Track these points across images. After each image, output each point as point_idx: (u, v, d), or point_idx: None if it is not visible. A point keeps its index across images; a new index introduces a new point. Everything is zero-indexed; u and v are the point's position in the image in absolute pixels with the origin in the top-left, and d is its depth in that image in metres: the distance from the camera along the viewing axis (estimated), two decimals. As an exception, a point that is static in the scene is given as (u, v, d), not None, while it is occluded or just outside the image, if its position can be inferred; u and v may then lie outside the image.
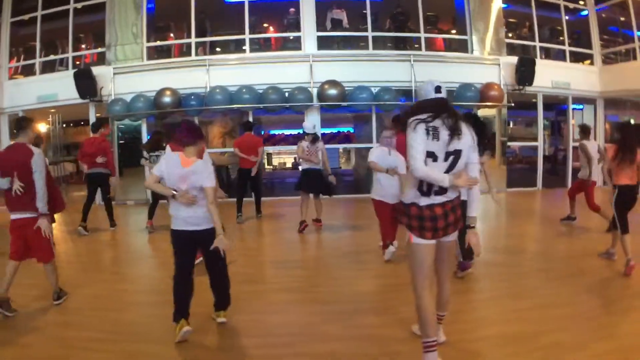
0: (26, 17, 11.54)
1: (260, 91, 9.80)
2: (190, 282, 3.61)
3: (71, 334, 3.77)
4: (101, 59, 11.07)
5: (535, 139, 11.87)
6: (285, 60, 10.37)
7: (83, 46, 11.87)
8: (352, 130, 12.97)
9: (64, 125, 12.73)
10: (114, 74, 10.38)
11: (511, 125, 12.94)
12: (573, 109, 12.51)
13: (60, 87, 10.73)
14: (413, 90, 10.32)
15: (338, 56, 10.50)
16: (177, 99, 9.83)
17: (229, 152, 9.78)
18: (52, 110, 11.49)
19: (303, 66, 10.17)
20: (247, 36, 10.43)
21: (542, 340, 3.37)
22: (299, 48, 10.70)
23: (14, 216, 4.09)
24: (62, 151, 12.32)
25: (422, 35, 11.00)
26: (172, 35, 11.50)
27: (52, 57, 11.52)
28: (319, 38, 10.58)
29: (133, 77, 10.39)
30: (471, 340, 3.44)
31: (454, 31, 12.06)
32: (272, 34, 11.18)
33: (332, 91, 9.78)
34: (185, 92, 9.95)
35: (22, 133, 4.14)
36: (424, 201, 2.84)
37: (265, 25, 11.38)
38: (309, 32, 10.40)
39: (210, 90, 9.83)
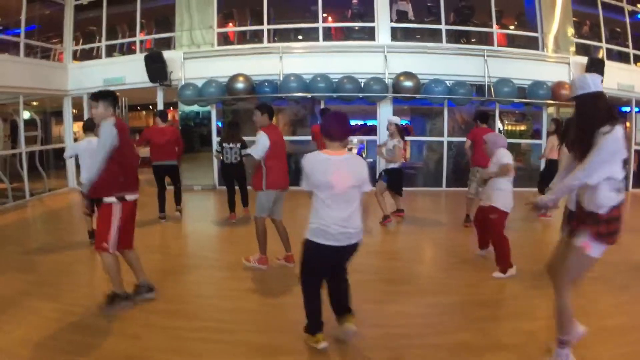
0: (83, 1, 11.52)
1: (335, 80, 9.72)
2: (320, 294, 3.24)
3: (179, 323, 3.65)
4: (161, 44, 11.12)
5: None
6: (359, 50, 10.29)
7: (143, 32, 11.83)
8: (409, 123, 12.76)
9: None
10: (184, 58, 10.33)
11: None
12: (628, 112, 12.41)
13: (127, 70, 10.73)
14: (486, 86, 10.23)
15: (412, 48, 10.39)
16: (250, 85, 9.79)
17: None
18: (117, 94, 11.45)
19: (377, 57, 10.09)
20: (320, 24, 10.36)
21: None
22: (364, 38, 10.64)
23: None
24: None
25: (495, 30, 10.89)
26: (230, 23, 11.44)
27: (119, 40, 11.49)
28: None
29: (204, 62, 10.35)
30: None
31: (511, 27, 11.94)
32: (344, 23, 11.02)
33: (408, 83, 9.70)
34: (258, 79, 9.89)
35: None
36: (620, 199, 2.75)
37: (324, 15, 11.22)
38: (383, 23, 10.31)
39: (284, 78, 9.76)
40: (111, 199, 3.72)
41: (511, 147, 11.00)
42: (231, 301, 4.13)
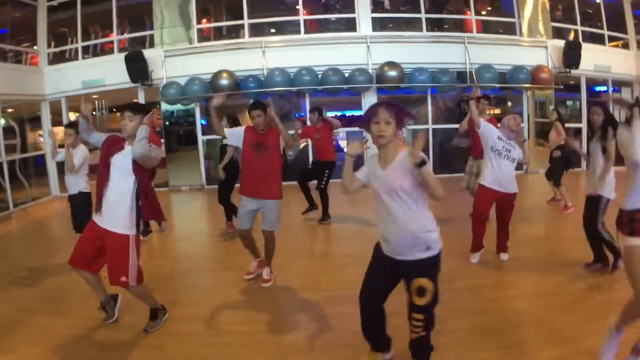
0: (55, 2, 11.18)
1: (320, 73, 9.72)
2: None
3: (199, 329, 3.61)
4: (136, 43, 10.93)
5: (580, 121, 12.01)
6: (341, 42, 10.28)
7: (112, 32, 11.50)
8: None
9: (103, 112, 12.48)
10: (165, 57, 10.17)
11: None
12: (604, 91, 12.73)
13: (106, 71, 10.51)
14: (467, 72, 10.35)
15: (394, 38, 10.44)
16: (234, 82, 9.72)
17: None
18: (95, 96, 11.24)
19: (359, 48, 10.12)
20: (301, 17, 10.34)
21: None
22: (341, 30, 10.65)
23: None
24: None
25: (473, 17, 11.02)
26: (205, 19, 11.29)
27: (96, 41, 11.24)
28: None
29: (185, 59, 10.21)
30: None
31: (483, 12, 12.09)
32: (326, 15, 11.00)
33: (392, 73, 9.77)
34: (241, 75, 9.81)
35: None
36: None
37: (297, 7, 11.15)
38: (363, 13, 10.33)
39: (269, 72, 9.71)
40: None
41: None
42: (247, 302, 4.10)
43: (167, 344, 3.36)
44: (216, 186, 6.77)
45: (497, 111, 12.22)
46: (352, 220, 6.89)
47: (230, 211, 6.44)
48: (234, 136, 4.48)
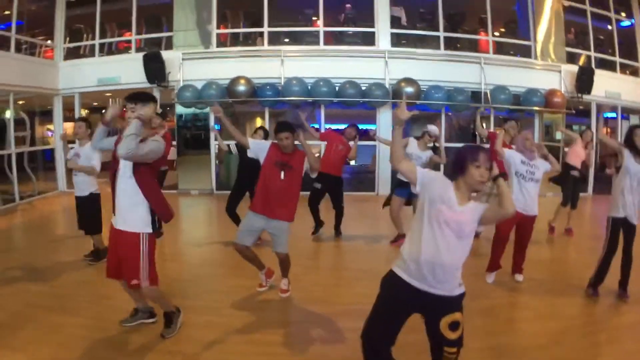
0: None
1: (338, 85, 9.76)
2: None
3: (217, 336, 3.58)
4: (152, 44, 10.93)
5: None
6: (360, 55, 10.34)
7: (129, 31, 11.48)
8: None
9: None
10: (183, 59, 10.18)
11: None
12: (611, 118, 12.87)
13: (122, 70, 10.51)
14: (482, 92, 10.44)
15: (411, 54, 10.50)
16: (252, 88, 9.74)
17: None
18: (109, 94, 11.21)
19: (377, 62, 10.19)
20: (321, 28, 10.38)
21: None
22: (358, 43, 10.71)
23: None
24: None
25: (490, 38, 11.12)
26: (222, 25, 11.29)
27: (114, 39, 11.25)
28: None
29: (203, 63, 10.24)
30: None
31: (496, 34, 12.20)
32: (345, 28, 11.03)
33: (409, 89, 9.83)
34: (259, 82, 9.83)
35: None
36: None
37: (314, 18, 11.22)
38: (383, 28, 10.40)
39: (286, 81, 9.74)
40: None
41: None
42: (261, 312, 4.08)
43: (182, 351, 3.34)
44: (226, 192, 6.73)
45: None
46: (361, 234, 6.95)
47: (237, 222, 6.24)
48: (258, 149, 4.33)
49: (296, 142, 4.35)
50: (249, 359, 3.31)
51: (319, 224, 6.73)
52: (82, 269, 5.15)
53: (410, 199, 6.15)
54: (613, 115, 12.82)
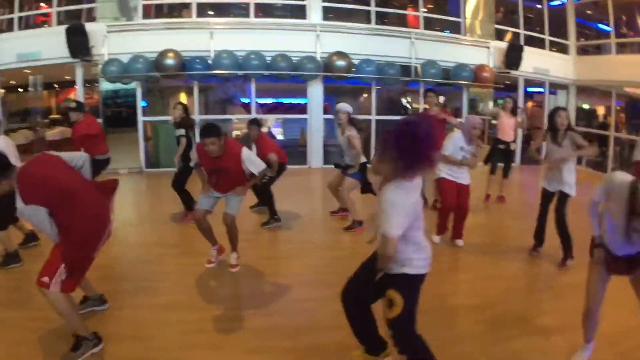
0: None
1: (269, 58, 9.66)
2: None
3: (181, 316, 3.54)
4: (72, 17, 10.43)
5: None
6: (291, 29, 10.25)
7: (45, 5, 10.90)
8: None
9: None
10: (108, 32, 9.79)
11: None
12: (539, 92, 13.40)
13: (43, 44, 9.97)
14: (412, 67, 10.61)
15: (343, 28, 10.51)
16: (181, 62, 9.47)
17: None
18: (28, 72, 10.65)
19: (309, 35, 10.13)
20: (252, 0, 10.19)
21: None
22: (287, 17, 10.66)
23: None
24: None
25: (421, 14, 11.28)
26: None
27: (34, 12, 10.66)
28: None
29: (128, 36, 9.84)
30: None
31: (423, 9, 12.39)
32: (277, 0, 10.90)
33: (341, 62, 9.84)
34: (188, 55, 9.60)
35: None
36: None
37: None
38: (314, 1, 10.34)
39: (216, 55, 9.55)
40: None
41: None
42: (217, 289, 4.08)
43: (145, 335, 3.25)
44: (156, 170, 6.57)
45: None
46: (299, 207, 6.96)
47: (188, 200, 6.16)
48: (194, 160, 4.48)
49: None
50: (210, 336, 3.30)
51: (273, 214, 6.18)
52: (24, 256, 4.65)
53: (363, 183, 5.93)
54: (541, 90, 13.33)
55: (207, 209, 4.42)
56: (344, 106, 5.82)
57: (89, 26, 9.77)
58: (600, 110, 14.23)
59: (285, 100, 11.41)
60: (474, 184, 5.37)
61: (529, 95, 13.85)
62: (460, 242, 5.42)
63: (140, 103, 9.94)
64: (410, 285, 2.53)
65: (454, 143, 5.08)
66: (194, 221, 4.50)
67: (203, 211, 4.40)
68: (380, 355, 2.85)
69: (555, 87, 13.50)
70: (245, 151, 4.24)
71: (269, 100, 12.33)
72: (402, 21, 11.66)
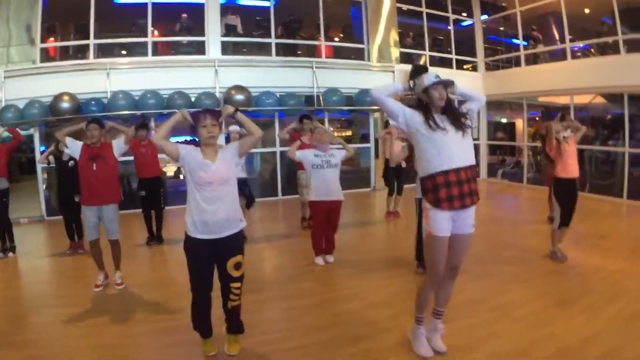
0: None
1: (166, 96, 9.79)
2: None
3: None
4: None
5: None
6: (190, 65, 10.41)
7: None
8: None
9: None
10: (5, 77, 9.74)
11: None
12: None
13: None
14: (315, 96, 10.90)
15: (243, 62, 10.74)
16: (76, 105, 9.50)
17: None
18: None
19: (207, 71, 10.32)
20: (149, 39, 10.31)
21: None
22: (193, 53, 10.82)
23: None
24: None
25: (323, 43, 11.61)
26: (53, 38, 10.95)
27: None
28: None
29: (25, 81, 9.78)
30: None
31: (336, 39, 12.84)
32: (175, 37, 11.04)
33: (239, 96, 10.03)
34: (84, 98, 9.64)
35: None
36: None
37: (151, 29, 11.12)
38: (213, 37, 10.54)
39: (112, 95, 9.62)
40: None
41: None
42: (91, 338, 3.99)
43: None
44: (58, 217, 7.20)
45: (349, 133, 13.00)
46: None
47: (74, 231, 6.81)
48: (73, 148, 5.00)
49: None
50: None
51: (152, 234, 7.16)
52: None
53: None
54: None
55: (96, 238, 5.06)
56: (235, 128, 6.80)
57: (-17, 72, 9.71)
58: (519, 123, 14.82)
59: (189, 138, 11.49)
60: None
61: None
62: (330, 257, 5.82)
63: (39, 148, 9.88)
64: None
65: (304, 154, 5.66)
66: (90, 247, 5.16)
67: (94, 240, 5.08)
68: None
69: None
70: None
71: (177, 138, 12.41)
72: (311, 52, 11.96)
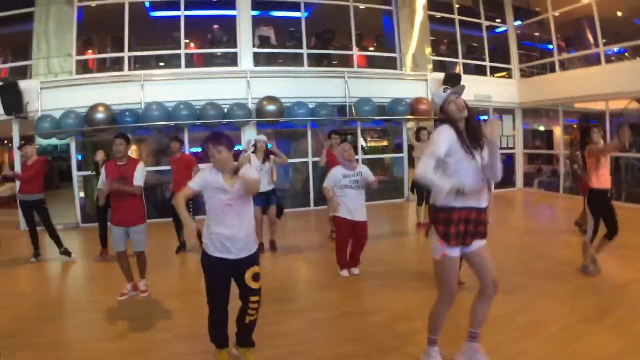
0: None
1: (198, 107, 9.80)
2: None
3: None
4: (18, 74, 10.59)
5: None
6: (222, 76, 10.40)
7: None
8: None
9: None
10: (41, 88, 9.92)
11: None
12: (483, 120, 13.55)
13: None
14: (347, 106, 10.75)
15: (275, 73, 10.69)
16: (111, 115, 9.60)
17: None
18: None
19: (240, 82, 10.29)
20: (182, 51, 10.38)
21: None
22: (227, 64, 10.83)
23: None
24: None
25: (355, 52, 11.47)
26: (90, 50, 11.15)
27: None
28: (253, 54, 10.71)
29: (61, 92, 9.94)
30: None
31: (371, 48, 12.69)
32: (207, 50, 11.10)
33: (271, 107, 9.98)
34: (118, 108, 9.73)
35: None
36: None
37: (186, 41, 11.21)
38: (245, 48, 10.52)
39: (146, 106, 9.68)
40: None
41: (374, 162, 11.72)
42: (109, 343, 4.01)
43: None
44: (93, 224, 7.39)
45: (385, 143, 12.78)
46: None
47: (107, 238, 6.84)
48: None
49: None
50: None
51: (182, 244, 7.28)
52: None
53: (266, 206, 6.96)
54: (485, 117, 13.47)
55: (123, 250, 5.07)
56: (262, 137, 6.95)
57: (23, 83, 9.89)
58: (557, 131, 14.36)
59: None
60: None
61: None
62: (355, 270, 5.72)
63: (76, 157, 10.02)
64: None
65: (332, 176, 5.54)
66: (117, 259, 5.17)
67: (120, 252, 5.09)
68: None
69: (501, 112, 13.64)
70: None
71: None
72: (344, 63, 11.82)
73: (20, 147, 6.98)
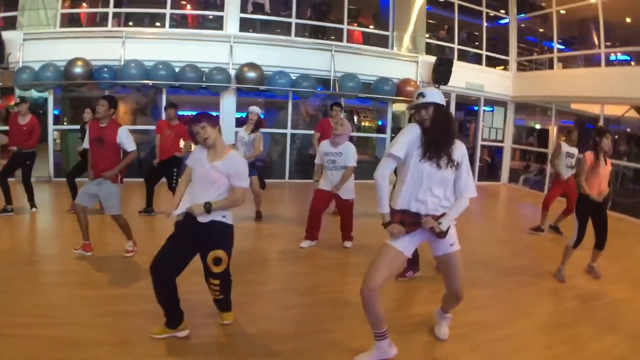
0: None
1: (177, 68, 9.65)
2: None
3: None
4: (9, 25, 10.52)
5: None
6: (206, 39, 10.22)
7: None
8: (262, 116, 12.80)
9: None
10: (24, 40, 9.83)
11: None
12: (483, 110, 13.28)
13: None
14: (332, 80, 10.55)
15: (259, 39, 10.49)
16: (89, 71, 9.47)
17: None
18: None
19: (223, 46, 10.11)
20: (167, 10, 10.18)
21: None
22: (217, 28, 10.62)
23: None
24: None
25: (345, 27, 11.24)
26: (83, 5, 11.08)
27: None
28: (241, 20, 10.48)
29: (43, 44, 9.86)
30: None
31: (371, 26, 12.44)
32: (192, 11, 10.93)
33: (251, 74, 9.80)
34: (98, 64, 9.61)
35: None
36: None
37: (183, 2, 11.09)
38: (232, 12, 10.33)
39: (124, 64, 9.55)
40: None
41: (365, 142, 11.53)
42: (44, 296, 3.93)
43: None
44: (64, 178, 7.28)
45: (367, 123, 12.58)
46: None
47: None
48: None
49: None
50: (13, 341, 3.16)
51: (149, 205, 7.12)
52: None
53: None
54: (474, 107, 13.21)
55: (85, 206, 4.87)
56: (255, 109, 6.76)
57: (6, 34, 9.81)
58: (553, 130, 14.06)
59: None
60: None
61: (470, 114, 13.74)
62: (348, 243, 5.77)
63: (52, 112, 9.93)
64: (231, 235, 3.28)
65: (319, 149, 5.59)
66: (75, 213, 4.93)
67: (80, 206, 4.84)
68: (177, 328, 3.24)
69: (493, 103, 13.34)
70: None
71: (185, 113, 12.26)
72: (338, 37, 11.59)
73: (17, 105, 6.94)
